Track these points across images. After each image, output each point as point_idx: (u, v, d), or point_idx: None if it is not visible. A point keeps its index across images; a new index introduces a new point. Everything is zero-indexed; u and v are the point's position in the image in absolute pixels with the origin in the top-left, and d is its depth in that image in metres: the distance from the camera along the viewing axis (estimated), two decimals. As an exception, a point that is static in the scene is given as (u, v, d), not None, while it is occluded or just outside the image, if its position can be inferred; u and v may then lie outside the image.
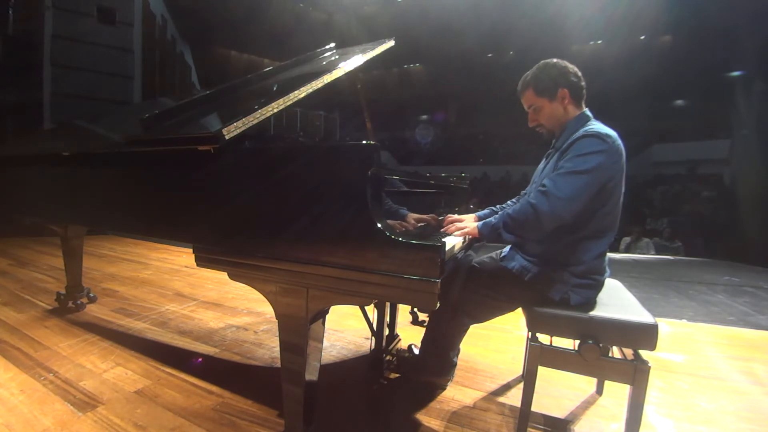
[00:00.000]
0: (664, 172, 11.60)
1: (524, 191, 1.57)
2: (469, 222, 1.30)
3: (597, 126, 1.20)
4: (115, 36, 6.87)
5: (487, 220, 1.23)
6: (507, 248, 1.41)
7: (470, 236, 1.28)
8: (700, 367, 1.92)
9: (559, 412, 1.46)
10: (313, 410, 1.14)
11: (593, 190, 1.12)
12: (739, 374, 1.85)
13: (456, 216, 1.45)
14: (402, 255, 0.88)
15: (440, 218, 1.51)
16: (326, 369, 1.72)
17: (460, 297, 1.31)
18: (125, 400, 1.45)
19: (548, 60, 1.31)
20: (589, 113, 1.28)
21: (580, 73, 1.29)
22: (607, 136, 1.14)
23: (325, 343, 2.01)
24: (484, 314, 1.35)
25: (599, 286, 1.23)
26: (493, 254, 1.50)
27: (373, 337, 1.64)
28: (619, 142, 1.16)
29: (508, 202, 1.63)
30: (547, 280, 1.21)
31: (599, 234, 1.19)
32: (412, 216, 1.36)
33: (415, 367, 1.59)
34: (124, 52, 7.03)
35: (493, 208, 1.60)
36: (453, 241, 1.21)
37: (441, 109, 16.78)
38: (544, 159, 1.41)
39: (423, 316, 2.37)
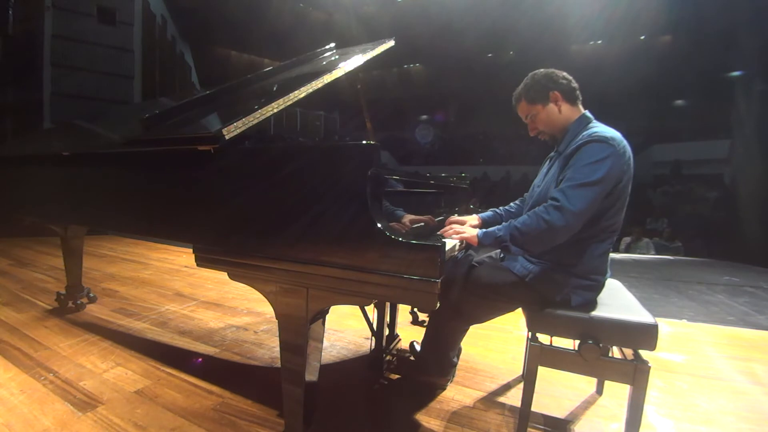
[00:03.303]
0: (664, 172, 11.60)
1: (526, 194, 1.56)
2: (469, 228, 1.26)
3: (600, 129, 1.18)
4: (115, 36, 6.88)
5: (489, 230, 1.19)
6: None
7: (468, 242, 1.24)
8: (700, 367, 1.92)
9: (559, 412, 1.46)
10: (312, 410, 1.14)
11: (603, 196, 1.11)
12: (739, 374, 1.85)
13: (458, 218, 1.45)
14: (402, 255, 0.88)
15: (438, 219, 1.51)
16: (326, 369, 1.72)
17: (460, 297, 1.31)
18: (125, 400, 1.45)
19: (535, 71, 1.33)
20: (589, 115, 1.28)
21: (569, 76, 1.30)
22: (612, 138, 1.13)
23: (325, 343, 2.01)
24: (484, 314, 1.35)
25: (600, 287, 1.23)
26: (493, 254, 1.50)
27: (373, 337, 1.64)
28: (625, 143, 1.15)
29: (511, 204, 1.63)
30: (549, 281, 1.20)
31: (604, 235, 1.18)
32: (409, 217, 1.35)
33: (416, 366, 1.59)
34: (124, 52, 7.03)
35: (497, 210, 1.60)
36: (453, 242, 1.21)
37: (441, 109, 16.75)
38: (547, 162, 1.41)
39: (423, 316, 2.37)
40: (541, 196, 1.29)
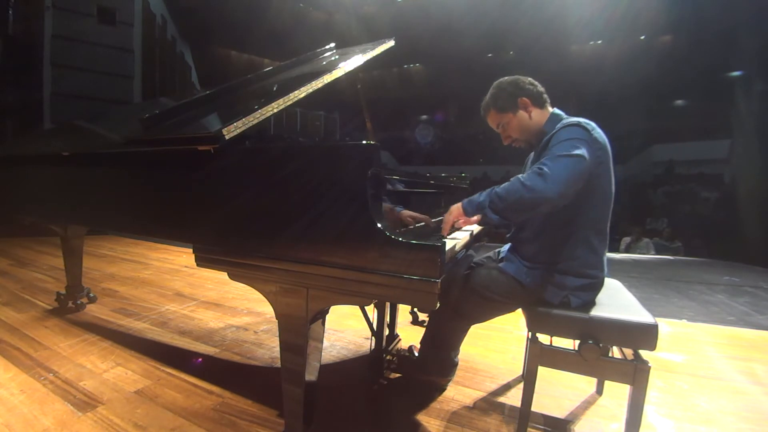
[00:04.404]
0: (663, 172, 11.61)
1: None
2: (453, 207, 1.20)
3: (573, 118, 1.20)
4: (115, 36, 6.89)
5: (473, 197, 1.16)
6: (506, 248, 1.41)
7: (459, 220, 1.19)
8: (700, 367, 1.92)
9: (559, 412, 1.46)
10: (313, 410, 1.14)
11: (585, 175, 1.09)
12: (739, 374, 1.85)
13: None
14: (402, 255, 0.88)
15: (437, 219, 1.51)
16: (326, 369, 1.72)
17: (460, 297, 1.31)
18: (125, 400, 1.45)
19: (500, 79, 1.33)
20: (559, 111, 1.29)
21: (535, 81, 1.31)
22: (587, 123, 1.14)
23: (325, 343, 2.01)
24: (483, 314, 1.35)
25: (599, 287, 1.23)
26: (491, 254, 1.50)
27: (373, 337, 1.64)
28: (600, 131, 1.15)
29: None
30: (546, 283, 1.20)
31: (590, 228, 1.18)
32: (407, 213, 1.35)
33: (416, 366, 1.59)
34: (124, 52, 7.05)
35: None
36: (453, 242, 1.21)
37: (441, 109, 16.76)
38: (528, 161, 1.42)
39: (423, 316, 2.37)
40: None
